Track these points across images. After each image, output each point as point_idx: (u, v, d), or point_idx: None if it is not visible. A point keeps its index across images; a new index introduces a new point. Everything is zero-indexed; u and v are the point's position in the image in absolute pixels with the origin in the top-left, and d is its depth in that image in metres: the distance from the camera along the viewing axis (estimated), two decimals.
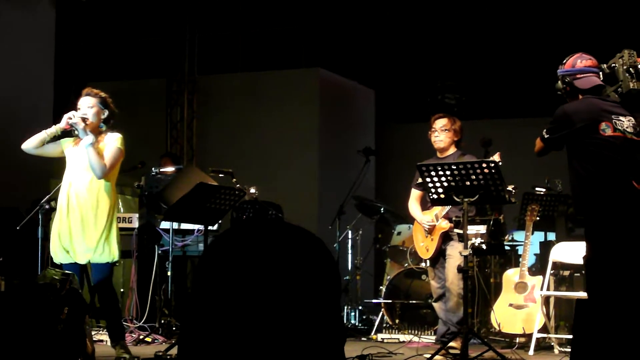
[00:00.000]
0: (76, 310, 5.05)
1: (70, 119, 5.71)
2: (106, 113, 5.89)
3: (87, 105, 5.83)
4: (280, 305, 4.25)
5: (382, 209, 8.91)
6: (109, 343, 6.13)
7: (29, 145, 5.88)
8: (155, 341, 7.27)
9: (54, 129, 5.80)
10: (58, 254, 5.82)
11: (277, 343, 4.19)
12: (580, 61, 5.38)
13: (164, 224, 8.11)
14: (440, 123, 7.05)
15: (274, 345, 4.19)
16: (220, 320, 4.25)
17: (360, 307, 8.98)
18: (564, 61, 5.45)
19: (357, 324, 8.74)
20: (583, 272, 7.41)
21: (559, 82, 5.47)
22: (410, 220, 7.77)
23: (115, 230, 5.87)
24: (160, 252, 8.02)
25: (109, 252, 5.80)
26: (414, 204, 7.24)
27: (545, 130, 5.45)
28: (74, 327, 4.97)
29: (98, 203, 5.79)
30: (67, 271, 5.46)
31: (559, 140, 5.38)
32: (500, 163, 6.36)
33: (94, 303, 6.45)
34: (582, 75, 5.36)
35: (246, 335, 4.20)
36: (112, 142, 5.85)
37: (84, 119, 5.73)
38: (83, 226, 5.75)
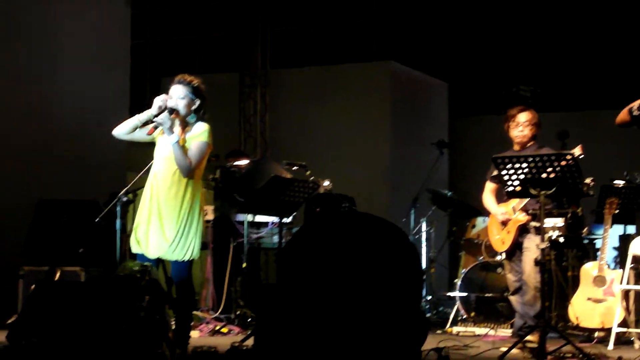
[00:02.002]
0: (156, 300, 5.10)
1: (160, 108, 5.57)
2: (197, 103, 5.66)
3: (179, 96, 5.60)
4: (364, 297, 4.26)
5: (456, 202, 8.85)
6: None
7: (120, 130, 5.71)
8: (231, 332, 7.33)
9: (146, 115, 5.59)
10: (133, 245, 5.68)
11: (359, 335, 4.20)
12: None
13: (239, 216, 8.17)
14: (525, 117, 7.00)
15: (355, 338, 4.21)
16: (302, 312, 4.28)
17: (435, 300, 8.93)
18: None
19: (432, 317, 8.69)
20: None
21: None
22: (485, 213, 7.71)
23: (196, 226, 5.64)
24: (235, 244, 8.08)
25: (185, 250, 5.59)
26: (488, 197, 7.19)
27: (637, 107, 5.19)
28: (156, 314, 5.02)
29: (180, 197, 5.59)
30: (145, 263, 5.44)
31: None
32: (581, 156, 6.27)
33: (171, 294, 6.47)
34: None
35: (326, 326, 4.22)
36: (199, 135, 5.62)
37: (173, 111, 5.55)
38: (160, 220, 5.57)
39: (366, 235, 4.47)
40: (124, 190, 6.94)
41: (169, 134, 5.55)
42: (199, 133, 5.64)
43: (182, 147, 5.58)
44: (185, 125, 5.68)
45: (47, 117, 8.83)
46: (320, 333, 4.32)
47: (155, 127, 5.61)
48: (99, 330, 4.82)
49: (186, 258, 5.62)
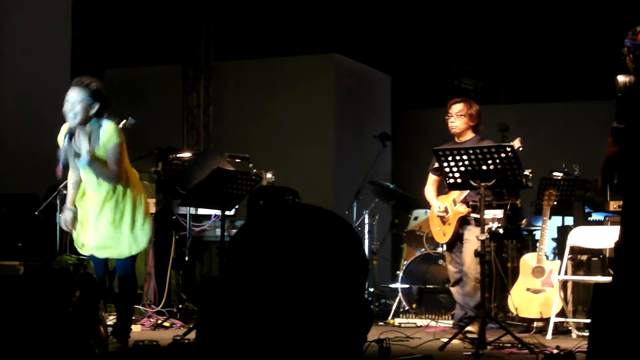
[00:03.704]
0: (89, 295, 5.06)
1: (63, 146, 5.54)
2: (96, 107, 5.51)
3: (75, 100, 5.47)
4: (308, 288, 4.27)
5: (398, 194, 8.91)
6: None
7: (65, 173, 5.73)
8: (174, 326, 7.30)
9: (63, 156, 5.56)
10: (79, 247, 5.74)
11: (303, 327, 4.21)
12: None
13: (182, 209, 8.13)
14: (456, 108, 7.04)
15: (299, 329, 4.22)
16: (246, 304, 4.27)
17: (377, 292, 8.99)
18: (637, 30, 4.98)
19: (374, 308, 8.74)
20: (600, 256, 7.42)
21: (625, 48, 5.06)
22: (426, 205, 7.77)
23: (140, 220, 5.70)
24: (177, 237, 8.04)
25: (130, 245, 5.66)
26: (430, 189, 7.25)
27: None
28: (86, 310, 4.98)
29: (114, 198, 5.64)
30: (82, 256, 5.44)
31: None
32: (520, 149, 6.34)
33: (112, 288, 6.46)
34: None
35: (270, 319, 4.23)
36: (108, 139, 5.55)
37: (71, 137, 5.52)
38: (98, 222, 5.61)
39: (310, 226, 4.48)
40: (64, 183, 6.88)
41: (77, 158, 5.53)
42: (108, 137, 5.57)
43: (96, 160, 5.54)
44: (89, 134, 5.58)
45: None
46: (264, 325, 4.32)
47: (64, 165, 5.56)
48: (26, 325, 4.78)
49: (132, 253, 5.68)
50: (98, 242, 5.65)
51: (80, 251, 5.78)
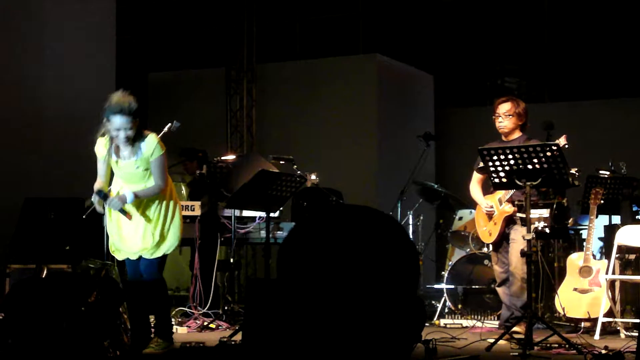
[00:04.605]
0: (107, 297, 5.14)
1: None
2: (138, 121, 5.72)
3: (124, 127, 5.63)
4: (361, 289, 4.27)
5: (443, 194, 8.87)
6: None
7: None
8: (219, 327, 7.34)
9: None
10: (114, 251, 5.93)
11: (356, 327, 4.21)
12: None
13: (227, 212, 8.17)
14: (504, 108, 6.99)
15: (352, 329, 4.22)
16: (298, 306, 4.28)
17: (422, 293, 8.96)
18: None
19: (426, 316, 8.71)
20: None
21: None
22: (471, 205, 7.73)
23: (166, 223, 5.87)
24: (222, 239, 8.08)
25: (159, 247, 5.83)
26: (475, 187, 7.21)
27: None
28: (102, 312, 5.06)
29: (149, 203, 5.82)
30: (106, 262, 5.58)
31: None
32: (566, 146, 6.28)
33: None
34: None
35: (322, 320, 4.23)
36: (153, 152, 5.74)
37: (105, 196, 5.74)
38: (132, 230, 5.79)
39: (360, 226, 4.49)
40: (110, 187, 6.95)
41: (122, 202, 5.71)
42: (152, 149, 5.74)
43: (141, 192, 5.74)
44: (134, 146, 5.75)
45: (34, 114, 8.79)
46: (315, 327, 4.33)
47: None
48: (40, 324, 4.88)
49: (156, 257, 5.81)
50: (133, 242, 5.80)
51: (115, 256, 5.90)
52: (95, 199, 5.77)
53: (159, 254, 5.83)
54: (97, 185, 5.84)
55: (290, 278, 4.51)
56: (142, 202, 5.79)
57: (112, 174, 5.92)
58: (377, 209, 4.52)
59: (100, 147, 5.83)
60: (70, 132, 8.91)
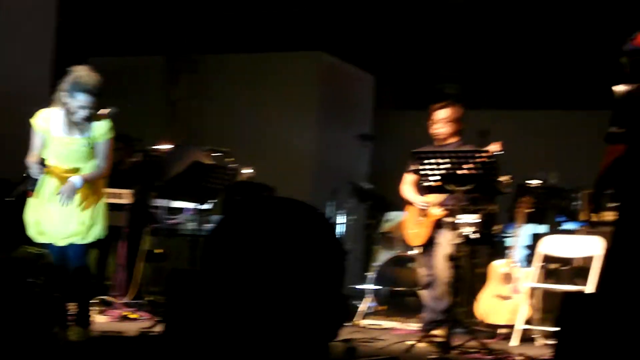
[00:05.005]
0: (52, 284, 5.09)
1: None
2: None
3: (89, 106, 5.64)
4: (285, 281, 4.28)
5: (375, 195, 8.92)
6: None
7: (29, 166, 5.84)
8: (141, 318, 7.29)
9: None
10: (37, 236, 5.79)
11: (278, 319, 4.22)
12: None
13: (157, 201, 8.11)
14: (442, 114, 7.03)
15: (274, 322, 4.22)
16: (222, 297, 4.27)
17: (346, 292, 8.98)
18: (632, 37, 4.87)
19: (349, 313, 8.74)
20: (570, 266, 7.45)
21: (625, 57, 5.10)
22: (401, 207, 7.78)
23: (97, 210, 5.84)
24: (150, 229, 8.02)
25: (90, 233, 5.78)
26: (408, 187, 7.21)
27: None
28: (49, 298, 5.01)
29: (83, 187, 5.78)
30: (41, 248, 5.52)
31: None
32: (500, 153, 6.34)
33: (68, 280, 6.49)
34: None
35: (247, 311, 4.23)
36: (104, 134, 5.78)
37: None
38: (66, 211, 5.70)
39: (287, 219, 4.49)
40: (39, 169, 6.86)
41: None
42: (102, 132, 5.78)
43: (87, 176, 5.72)
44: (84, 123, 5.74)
45: None
46: (236, 319, 4.33)
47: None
48: None
49: (87, 241, 5.76)
50: (65, 226, 5.71)
51: (36, 239, 5.80)
52: (37, 169, 5.65)
53: (89, 238, 5.76)
54: (33, 158, 5.75)
55: (213, 269, 4.50)
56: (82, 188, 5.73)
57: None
58: (305, 202, 4.53)
59: (43, 119, 5.76)
60: (2, 114, 8.77)
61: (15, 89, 8.83)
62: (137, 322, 7.06)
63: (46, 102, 8.84)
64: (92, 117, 5.72)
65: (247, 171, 8.26)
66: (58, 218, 5.71)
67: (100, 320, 6.98)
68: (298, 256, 4.45)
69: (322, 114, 11.73)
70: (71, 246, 5.74)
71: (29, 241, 6.06)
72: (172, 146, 9.12)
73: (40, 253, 5.20)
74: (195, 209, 7.67)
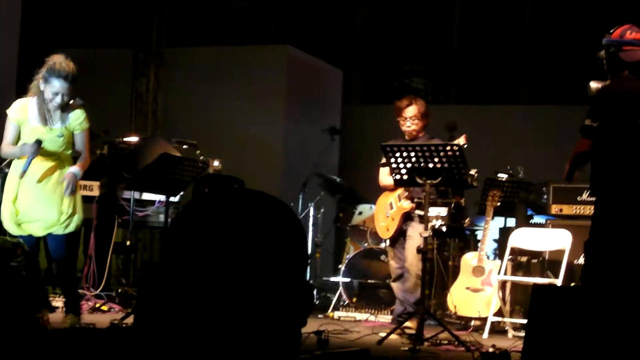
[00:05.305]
0: (32, 272, 5.06)
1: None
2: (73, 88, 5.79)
3: (65, 92, 5.67)
4: (248, 271, 4.26)
5: (345, 188, 8.92)
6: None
7: (7, 154, 5.88)
8: (112, 310, 7.24)
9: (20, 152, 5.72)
10: (12, 227, 5.77)
11: (243, 310, 4.19)
12: (629, 32, 5.03)
13: (126, 194, 8.06)
14: (411, 112, 7.02)
15: (240, 312, 4.20)
16: (184, 289, 4.24)
17: (318, 285, 8.99)
18: (612, 30, 5.08)
19: (314, 301, 8.75)
20: (540, 258, 7.51)
21: (603, 51, 5.17)
22: (372, 200, 7.79)
23: (78, 201, 5.90)
24: (120, 221, 7.97)
25: (70, 224, 5.82)
26: (385, 177, 7.11)
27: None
28: (31, 286, 4.99)
29: (61, 177, 5.81)
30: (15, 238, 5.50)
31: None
32: (465, 146, 6.39)
33: (51, 270, 6.45)
34: (628, 48, 5.01)
35: (209, 303, 4.20)
36: (80, 124, 5.83)
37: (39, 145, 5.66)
38: (46, 200, 5.73)
39: (249, 208, 4.47)
40: (5, 162, 6.79)
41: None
42: (79, 122, 5.83)
43: (82, 164, 5.83)
44: (60, 113, 5.77)
45: None
46: (201, 309, 4.29)
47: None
48: None
49: (69, 231, 5.79)
50: (46, 216, 5.72)
51: (11, 230, 5.74)
52: (34, 147, 5.60)
53: (71, 228, 5.80)
54: (7, 148, 5.76)
55: (174, 260, 4.47)
56: (58, 174, 5.76)
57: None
58: (266, 193, 4.52)
59: (18, 108, 5.74)
60: None
61: None
62: (109, 314, 7.01)
63: (11, 94, 8.76)
64: (67, 106, 5.71)
65: (215, 164, 8.21)
66: (39, 208, 5.72)
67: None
68: (261, 245, 4.43)
69: (290, 107, 11.71)
70: (51, 236, 5.74)
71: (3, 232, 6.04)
72: (139, 138, 9.06)
73: (17, 243, 5.15)
74: (164, 201, 7.63)
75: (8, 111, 5.76)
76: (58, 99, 5.65)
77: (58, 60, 5.69)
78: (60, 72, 5.63)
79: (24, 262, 5.05)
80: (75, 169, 5.76)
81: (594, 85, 5.20)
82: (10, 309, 4.78)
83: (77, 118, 5.80)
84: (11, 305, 4.79)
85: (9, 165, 6.67)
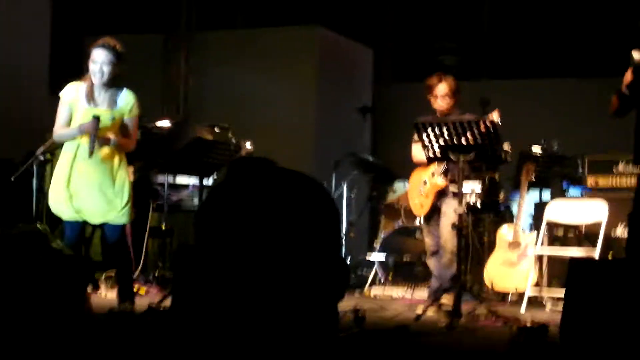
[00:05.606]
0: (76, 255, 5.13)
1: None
2: (121, 67, 5.76)
3: (103, 61, 5.66)
4: (282, 249, 4.27)
5: (377, 167, 8.90)
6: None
7: (61, 138, 5.82)
8: (149, 293, 7.29)
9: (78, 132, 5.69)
10: (65, 211, 5.75)
11: (278, 289, 4.21)
12: None
13: (160, 178, 8.10)
14: (443, 90, 6.98)
15: (275, 292, 4.22)
16: (219, 270, 4.26)
17: (354, 264, 8.99)
18: None
19: (350, 278, 8.75)
20: (576, 231, 7.46)
21: None
22: (405, 178, 7.76)
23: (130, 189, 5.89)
24: (155, 205, 8.02)
25: (128, 212, 5.82)
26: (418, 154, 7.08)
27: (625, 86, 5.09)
28: (76, 267, 5.04)
29: (116, 165, 5.81)
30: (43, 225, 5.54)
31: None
32: (499, 121, 6.35)
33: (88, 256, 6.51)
34: None
35: (244, 283, 4.22)
36: (131, 109, 5.83)
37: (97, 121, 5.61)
38: (102, 188, 5.71)
39: (283, 188, 4.47)
40: (41, 149, 6.85)
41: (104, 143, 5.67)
42: (131, 107, 5.83)
43: (120, 139, 5.75)
44: (110, 89, 5.73)
45: None
46: (239, 290, 4.31)
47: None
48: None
49: (125, 221, 5.82)
50: (99, 207, 5.72)
51: (63, 215, 5.76)
52: (93, 124, 5.59)
53: (127, 217, 5.82)
54: (61, 130, 5.75)
55: (209, 242, 4.48)
56: (115, 161, 5.76)
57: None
58: (298, 170, 4.52)
59: (70, 90, 5.75)
60: (2, 93, 8.74)
61: (13, 70, 8.80)
62: (146, 297, 7.06)
63: (44, 82, 8.83)
64: (114, 85, 5.72)
65: (247, 146, 8.23)
66: (95, 196, 5.71)
67: (109, 296, 6.98)
68: (296, 223, 4.43)
69: (321, 87, 11.69)
70: (107, 225, 5.77)
71: (29, 220, 6.06)
72: (172, 123, 9.09)
73: (45, 228, 5.19)
74: (198, 185, 7.66)
75: (61, 94, 5.77)
76: (98, 70, 5.62)
77: (104, 39, 5.74)
78: (100, 43, 5.67)
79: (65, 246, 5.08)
80: (112, 134, 5.70)
81: (637, 55, 5.14)
82: (54, 291, 4.82)
83: (128, 103, 5.79)
84: (55, 288, 4.82)
85: (43, 153, 6.75)
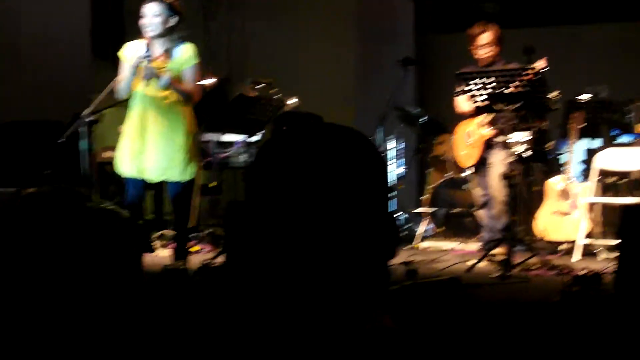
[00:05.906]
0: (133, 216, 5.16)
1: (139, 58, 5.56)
2: (174, 20, 5.69)
3: (153, 13, 5.59)
4: (332, 205, 4.27)
5: (423, 119, 8.84)
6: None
7: (124, 90, 5.77)
8: (202, 250, 7.34)
9: (129, 69, 5.64)
10: (128, 166, 5.74)
11: (329, 245, 4.21)
12: None
13: (206, 136, 8.12)
14: (485, 38, 6.92)
15: (326, 247, 4.22)
16: (270, 226, 4.27)
17: (403, 217, 8.98)
18: None
19: (400, 233, 8.73)
20: (628, 178, 7.37)
21: None
22: (451, 130, 7.70)
23: (193, 145, 5.82)
24: (202, 163, 8.05)
25: (191, 168, 5.78)
26: (463, 104, 7.00)
27: None
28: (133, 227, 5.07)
29: (180, 121, 5.74)
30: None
31: None
32: (546, 68, 6.25)
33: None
34: None
35: (295, 239, 4.23)
36: (188, 59, 5.69)
37: (148, 57, 5.56)
38: (165, 145, 5.67)
39: (329, 143, 4.45)
40: (88, 110, 6.87)
41: (157, 80, 5.57)
42: (188, 57, 5.70)
43: (177, 80, 5.62)
44: (167, 43, 5.66)
45: (8, 39, 8.64)
46: (289, 247, 4.31)
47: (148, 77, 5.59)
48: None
49: (185, 178, 5.78)
50: (162, 164, 5.69)
51: (126, 171, 5.77)
52: (144, 49, 5.60)
53: (188, 175, 5.77)
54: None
55: (259, 198, 4.48)
56: (174, 119, 5.69)
57: None
58: (344, 125, 4.49)
59: (129, 48, 5.72)
60: (48, 57, 8.78)
61: (56, 35, 8.82)
62: (199, 255, 7.12)
63: (87, 45, 8.84)
64: (169, 35, 5.65)
65: (292, 101, 8.20)
66: (157, 153, 5.67)
67: (162, 254, 7.03)
68: (343, 178, 4.41)
69: (363, 41, 11.62)
70: (169, 183, 5.77)
71: (77, 182, 6.09)
72: (215, 80, 9.09)
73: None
74: (245, 142, 7.66)
75: (119, 53, 5.76)
76: (148, 23, 5.56)
77: None
78: None
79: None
80: (167, 74, 5.61)
81: None
82: (111, 251, 4.85)
83: (185, 52, 5.68)
84: (111, 248, 4.86)
85: (90, 114, 6.76)
